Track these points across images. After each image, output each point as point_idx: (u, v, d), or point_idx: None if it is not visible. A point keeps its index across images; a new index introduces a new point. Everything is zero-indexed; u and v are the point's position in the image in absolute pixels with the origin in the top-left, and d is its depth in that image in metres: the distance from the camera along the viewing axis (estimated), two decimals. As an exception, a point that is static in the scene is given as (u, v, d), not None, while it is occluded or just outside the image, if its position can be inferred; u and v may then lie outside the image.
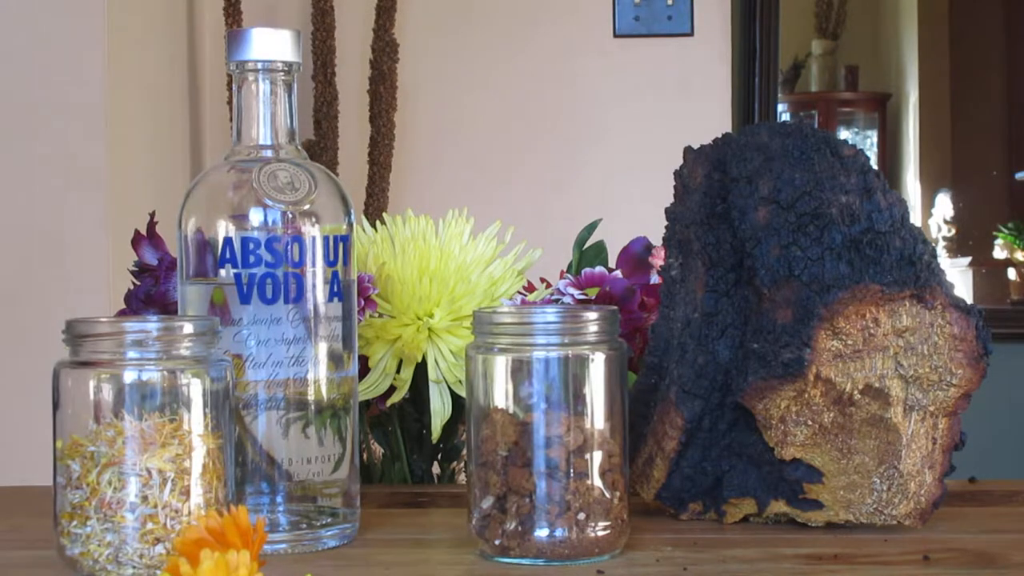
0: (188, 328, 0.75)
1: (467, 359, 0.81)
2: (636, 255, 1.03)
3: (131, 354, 0.74)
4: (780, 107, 2.72)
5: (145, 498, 0.73)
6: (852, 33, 2.90)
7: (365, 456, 1.06)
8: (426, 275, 0.99)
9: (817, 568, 0.77)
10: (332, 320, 0.83)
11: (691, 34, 2.53)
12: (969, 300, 0.87)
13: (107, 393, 0.74)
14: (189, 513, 0.73)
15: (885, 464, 0.83)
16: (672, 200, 0.90)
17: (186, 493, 0.73)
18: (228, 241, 0.81)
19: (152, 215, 1.03)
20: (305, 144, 2.22)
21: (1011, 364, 2.57)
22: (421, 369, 0.98)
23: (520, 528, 0.78)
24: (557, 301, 1.00)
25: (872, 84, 2.97)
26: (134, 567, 0.72)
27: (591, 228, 1.07)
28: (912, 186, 2.88)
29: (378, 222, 1.04)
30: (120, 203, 1.91)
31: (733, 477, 0.87)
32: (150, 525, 0.72)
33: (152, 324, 0.76)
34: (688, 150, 0.89)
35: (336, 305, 0.84)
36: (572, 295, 0.99)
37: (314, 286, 0.83)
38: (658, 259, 1.01)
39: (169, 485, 0.73)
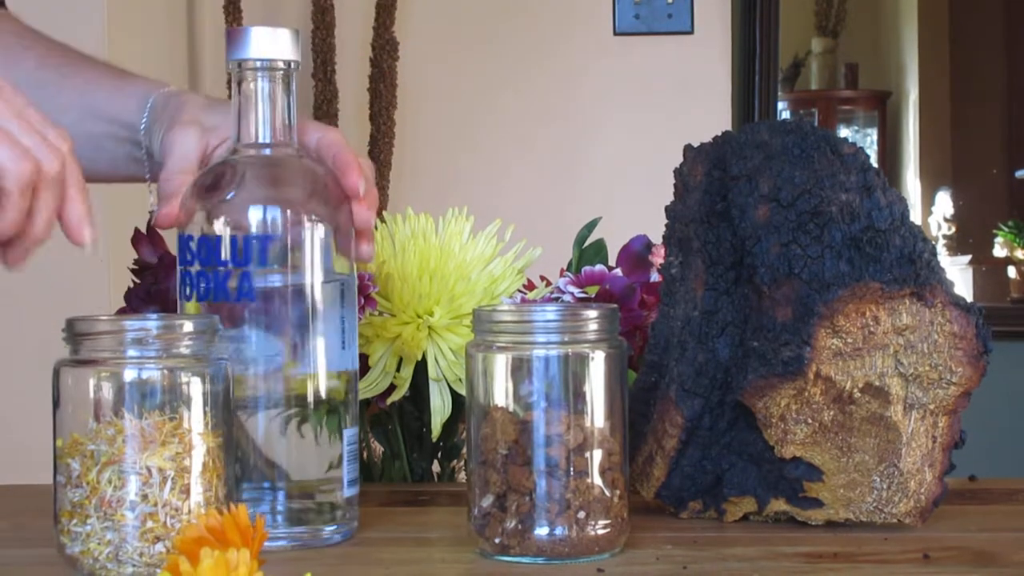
0: (188, 327, 0.75)
1: (467, 357, 0.81)
2: (636, 253, 1.03)
3: (131, 352, 0.74)
4: (780, 105, 2.72)
5: (145, 496, 0.72)
6: (852, 31, 2.90)
7: (365, 455, 1.06)
8: (426, 273, 0.99)
9: (817, 566, 0.77)
10: (331, 318, 0.83)
11: (691, 32, 2.53)
12: (969, 298, 0.87)
13: (107, 391, 0.74)
14: (189, 511, 0.73)
15: (885, 462, 0.83)
16: (672, 198, 0.90)
17: (186, 491, 0.73)
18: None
19: (152, 214, 1.03)
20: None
21: (1011, 362, 2.57)
22: (421, 367, 0.98)
23: (520, 526, 0.78)
24: (557, 299, 1.00)
25: (872, 82, 2.97)
26: (134, 565, 0.72)
27: (591, 226, 1.07)
28: (912, 184, 2.88)
29: (378, 220, 1.04)
30: (120, 202, 1.91)
31: (733, 475, 0.87)
32: (150, 523, 0.72)
33: (152, 322, 0.76)
34: (688, 148, 0.89)
35: (334, 302, 0.83)
36: (572, 293, 0.99)
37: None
38: (658, 257, 1.01)
39: (169, 483, 0.73)
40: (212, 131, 0.90)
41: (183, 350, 0.75)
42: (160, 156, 0.92)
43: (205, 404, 0.75)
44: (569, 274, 1.02)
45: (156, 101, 0.95)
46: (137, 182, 0.99)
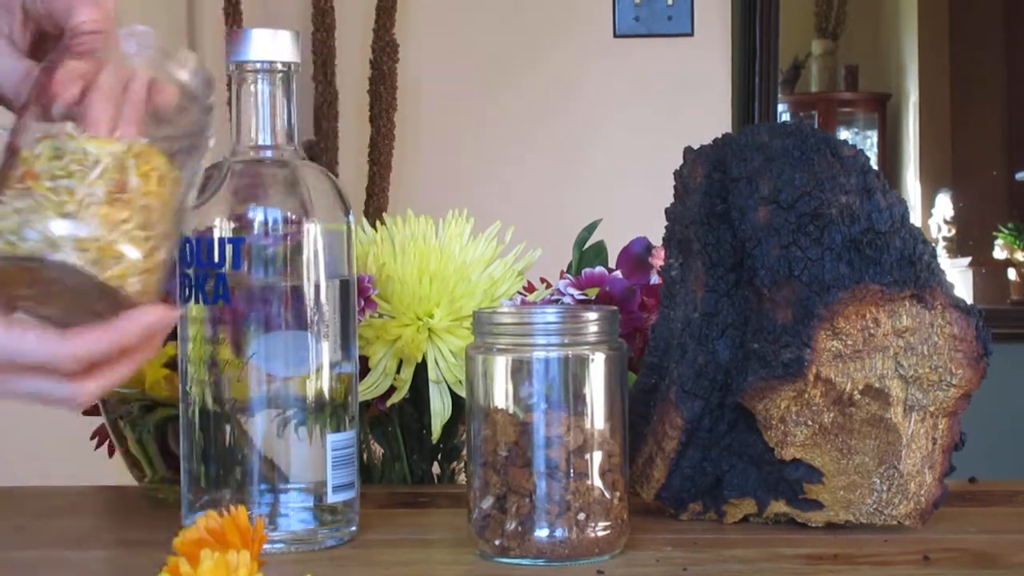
0: None
1: (467, 359, 0.81)
2: (636, 255, 1.03)
3: None
4: (780, 107, 2.72)
5: (71, 174, 0.64)
6: (852, 33, 2.90)
7: (365, 456, 1.06)
8: (426, 275, 0.99)
9: (817, 568, 0.77)
10: (331, 320, 0.83)
11: (691, 34, 2.53)
12: (969, 300, 0.87)
13: None
14: (111, 203, 0.65)
15: (885, 464, 0.83)
16: (672, 200, 0.90)
17: (121, 188, 0.65)
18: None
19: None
20: (305, 144, 2.22)
21: (1011, 365, 2.57)
22: (421, 369, 0.98)
23: (520, 528, 0.78)
24: (557, 301, 1.00)
25: (872, 84, 2.97)
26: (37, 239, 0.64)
27: (591, 228, 1.07)
28: (912, 186, 2.88)
29: (378, 222, 1.04)
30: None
31: (733, 477, 0.87)
32: (65, 198, 0.64)
33: None
34: (688, 150, 0.89)
35: (334, 304, 0.84)
36: (572, 295, 0.99)
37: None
38: (658, 259, 1.01)
39: (99, 169, 0.65)
40: None
41: None
42: None
43: None
44: (569, 276, 1.02)
45: None
46: None
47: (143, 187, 0.65)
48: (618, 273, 1.01)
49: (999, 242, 2.85)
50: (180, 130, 0.70)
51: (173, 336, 0.82)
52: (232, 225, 0.82)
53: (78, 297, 0.64)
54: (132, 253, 0.64)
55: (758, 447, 0.85)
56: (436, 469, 1.06)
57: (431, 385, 0.98)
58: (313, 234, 0.83)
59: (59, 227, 0.63)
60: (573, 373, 0.79)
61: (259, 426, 0.82)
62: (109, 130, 0.66)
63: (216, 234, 0.82)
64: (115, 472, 1.11)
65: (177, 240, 0.68)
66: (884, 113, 2.93)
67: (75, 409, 0.68)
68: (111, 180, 0.65)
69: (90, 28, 0.69)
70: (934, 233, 2.85)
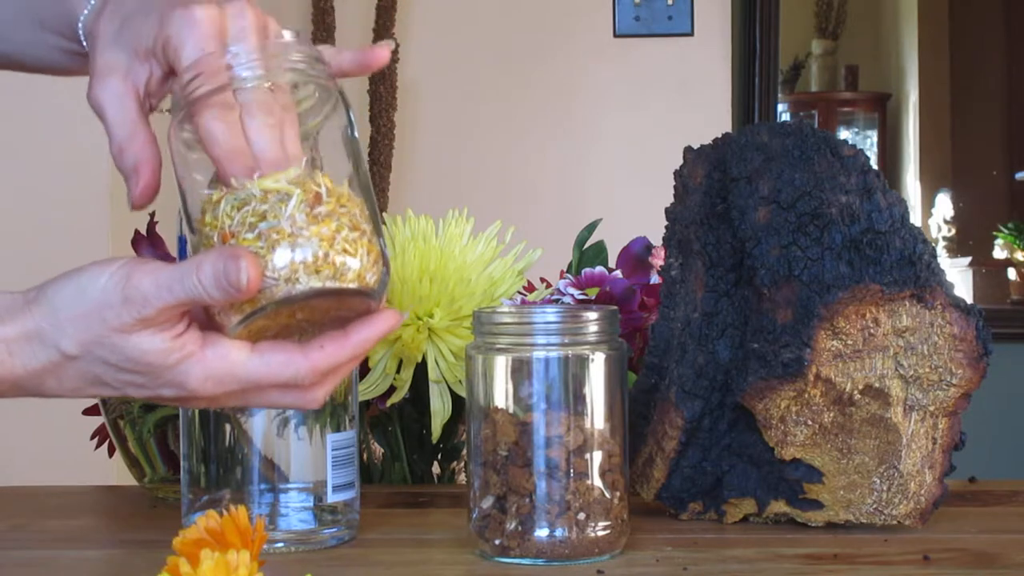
0: None
1: (467, 359, 0.81)
2: (636, 255, 1.03)
3: None
4: (780, 107, 2.72)
5: (264, 216, 0.64)
6: (852, 33, 2.90)
7: (365, 456, 1.06)
8: (426, 275, 0.99)
9: (817, 568, 0.77)
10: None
11: (691, 34, 2.53)
12: (969, 300, 0.87)
13: None
14: (317, 221, 0.65)
15: (885, 464, 0.83)
16: (672, 200, 0.90)
17: (317, 203, 0.65)
18: None
19: (152, 216, 1.03)
20: (305, 144, 2.22)
21: (1011, 364, 2.57)
22: (421, 369, 0.98)
23: (520, 528, 0.78)
24: (557, 301, 1.00)
25: (872, 84, 2.97)
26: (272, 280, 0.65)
27: (591, 228, 1.07)
28: (912, 186, 2.88)
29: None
30: (122, 204, 1.92)
31: (733, 477, 0.87)
32: (275, 236, 0.64)
33: None
34: (688, 150, 0.89)
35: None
36: (572, 295, 0.99)
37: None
38: (658, 259, 1.01)
39: (293, 200, 0.65)
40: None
41: None
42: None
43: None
44: (569, 276, 1.02)
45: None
46: (72, 75, 0.86)
47: (333, 194, 0.66)
48: (618, 273, 1.01)
49: (999, 242, 2.85)
50: (310, 103, 0.71)
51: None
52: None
53: (326, 312, 0.66)
54: (357, 254, 0.65)
55: (758, 447, 0.85)
56: (436, 469, 1.06)
57: (431, 385, 0.98)
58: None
59: (283, 262, 0.64)
60: (573, 373, 0.79)
61: (259, 426, 0.82)
62: (276, 166, 0.66)
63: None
64: (115, 472, 1.11)
65: (381, 223, 0.69)
66: (884, 113, 2.93)
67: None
68: (304, 203, 0.65)
69: (191, 80, 0.68)
70: (934, 233, 2.85)
